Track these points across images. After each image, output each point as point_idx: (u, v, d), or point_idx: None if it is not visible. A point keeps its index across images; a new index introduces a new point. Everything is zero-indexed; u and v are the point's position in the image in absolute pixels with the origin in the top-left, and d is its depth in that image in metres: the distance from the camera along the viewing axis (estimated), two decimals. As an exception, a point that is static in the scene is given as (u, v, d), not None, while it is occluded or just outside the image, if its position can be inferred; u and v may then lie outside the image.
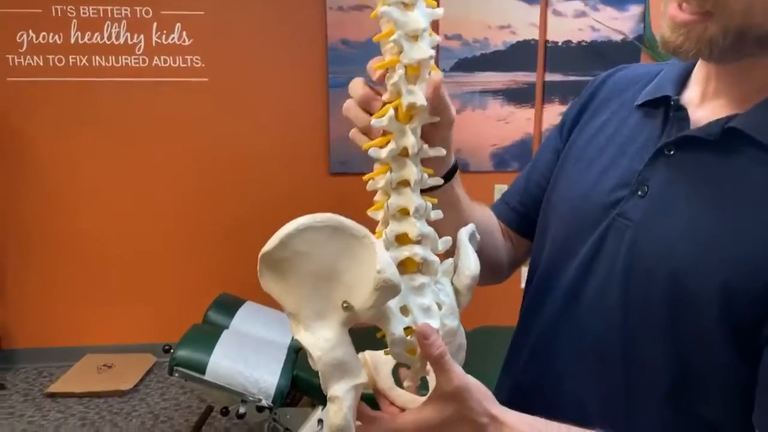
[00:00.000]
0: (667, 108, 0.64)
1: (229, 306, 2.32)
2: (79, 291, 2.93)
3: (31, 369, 2.91)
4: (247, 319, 2.26)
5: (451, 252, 0.59)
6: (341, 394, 0.51)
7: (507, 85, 2.93)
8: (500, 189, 3.00)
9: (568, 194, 0.70)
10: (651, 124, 0.65)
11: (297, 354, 2.12)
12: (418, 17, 0.51)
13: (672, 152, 0.61)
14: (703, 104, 0.62)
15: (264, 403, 1.87)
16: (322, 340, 0.51)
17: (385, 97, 0.57)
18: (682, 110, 0.62)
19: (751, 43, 0.54)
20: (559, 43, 2.91)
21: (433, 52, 0.52)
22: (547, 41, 2.90)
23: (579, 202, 0.68)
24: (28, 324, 2.93)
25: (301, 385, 1.98)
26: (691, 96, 0.64)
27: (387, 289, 0.49)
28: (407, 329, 0.53)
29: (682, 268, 0.56)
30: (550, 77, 2.93)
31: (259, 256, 0.51)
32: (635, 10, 2.88)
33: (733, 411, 0.56)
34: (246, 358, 1.94)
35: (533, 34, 2.89)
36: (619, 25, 2.86)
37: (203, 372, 1.88)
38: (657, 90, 0.66)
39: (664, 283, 0.57)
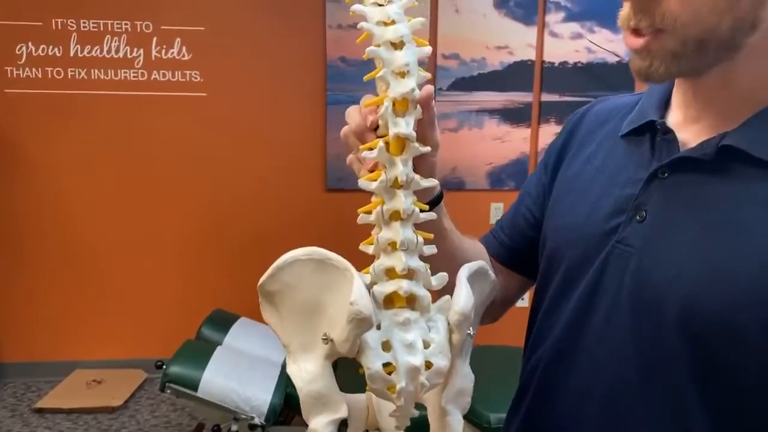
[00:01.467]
0: (653, 133, 0.64)
1: (222, 322, 2.30)
2: (69, 305, 2.90)
3: (19, 384, 2.86)
4: (240, 336, 2.24)
5: (449, 289, 0.57)
6: (319, 427, 0.52)
7: (504, 104, 2.95)
8: (496, 207, 3.01)
9: (563, 226, 0.70)
10: (639, 150, 0.65)
11: (290, 371, 2.11)
12: (404, 55, 0.54)
13: (666, 175, 0.61)
14: (688, 126, 0.62)
15: (257, 421, 1.85)
16: (304, 372, 0.53)
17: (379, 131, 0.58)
18: (669, 133, 0.62)
19: (716, 48, 0.54)
20: (556, 64, 2.94)
21: (415, 87, 0.54)
22: (543, 62, 2.93)
23: (575, 232, 0.67)
24: (17, 337, 2.89)
25: (294, 404, 1.95)
26: (675, 119, 0.63)
27: (359, 322, 0.49)
28: (387, 365, 0.51)
29: (692, 293, 0.55)
30: (547, 97, 2.95)
31: (257, 287, 0.53)
32: (631, 32, 2.92)
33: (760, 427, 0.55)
34: (239, 376, 1.92)
35: (530, 54, 2.92)
36: (615, 47, 2.90)
37: (196, 389, 1.86)
38: (640, 117, 0.66)
39: (675, 309, 0.56)
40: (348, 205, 3.04)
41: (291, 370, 0.54)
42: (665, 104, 0.66)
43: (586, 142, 0.73)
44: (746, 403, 0.55)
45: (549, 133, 2.98)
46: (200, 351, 2.02)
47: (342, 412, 0.53)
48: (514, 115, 2.96)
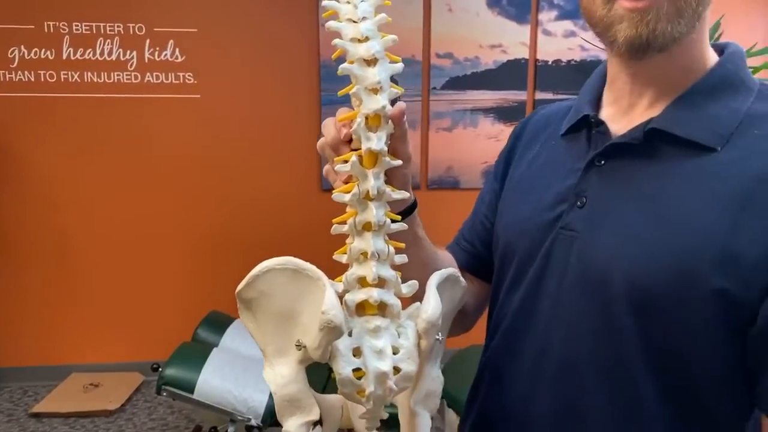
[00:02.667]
0: (588, 128, 0.68)
1: (218, 324, 2.30)
2: (64, 308, 2.89)
3: (16, 388, 2.86)
4: (236, 338, 2.24)
5: (420, 296, 0.59)
6: (292, 429, 0.56)
7: (498, 103, 2.96)
8: (491, 206, 3.01)
9: (512, 221, 0.73)
10: (577, 144, 0.69)
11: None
12: (377, 72, 0.55)
13: (603, 162, 0.65)
14: (620, 119, 0.66)
15: (253, 422, 1.85)
16: (279, 377, 0.56)
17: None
18: (602, 125, 0.66)
19: (694, 12, 0.58)
20: (549, 62, 2.95)
21: (386, 104, 0.55)
22: (537, 60, 2.94)
23: (523, 224, 0.70)
24: (13, 342, 2.88)
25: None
26: (607, 113, 0.68)
27: (330, 330, 0.51)
28: (356, 371, 0.54)
29: (632, 268, 0.58)
30: (540, 95, 2.96)
31: (235, 294, 0.56)
32: (623, 30, 2.93)
33: (715, 396, 0.58)
34: (235, 377, 1.92)
35: (523, 53, 2.93)
36: (608, 45, 2.91)
37: (192, 391, 1.86)
38: (575, 114, 0.70)
39: (619, 286, 0.59)
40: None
41: (266, 375, 0.57)
42: (597, 101, 0.70)
43: (529, 145, 0.77)
44: (693, 374, 0.57)
45: (543, 131, 2.98)
46: (196, 353, 2.02)
47: (314, 415, 0.56)
48: (508, 114, 2.97)
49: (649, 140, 0.61)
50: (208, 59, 2.79)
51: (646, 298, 0.57)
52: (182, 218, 2.89)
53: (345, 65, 0.55)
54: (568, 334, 0.63)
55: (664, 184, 0.59)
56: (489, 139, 2.98)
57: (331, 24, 0.56)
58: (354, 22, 0.56)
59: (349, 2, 0.57)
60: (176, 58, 2.77)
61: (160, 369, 1.90)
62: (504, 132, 2.97)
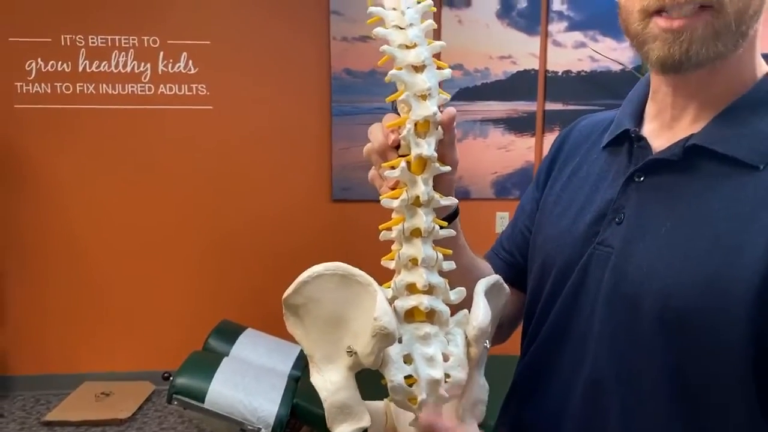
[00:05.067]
0: (630, 142, 0.67)
1: (229, 333, 2.30)
2: (78, 317, 2.92)
3: (29, 397, 2.88)
4: (247, 347, 2.25)
5: (468, 303, 0.59)
6: None
7: (508, 114, 2.96)
8: (501, 216, 3.01)
9: (551, 234, 0.72)
10: (618, 159, 0.68)
11: (297, 383, 2.10)
12: (426, 79, 0.55)
13: (642, 178, 0.63)
14: (661, 134, 0.65)
15: (263, 432, 1.85)
16: (329, 383, 0.55)
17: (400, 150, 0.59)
18: (643, 140, 0.65)
19: (735, 32, 0.55)
20: (559, 73, 2.95)
21: (436, 110, 0.55)
22: (547, 71, 2.94)
23: (561, 239, 0.69)
24: (26, 351, 2.91)
25: (301, 414, 1.95)
26: (648, 129, 0.67)
27: (383, 337, 0.51)
28: (408, 378, 0.53)
29: (665, 286, 0.57)
30: (550, 106, 2.96)
31: (282, 300, 0.55)
32: (634, 41, 2.93)
33: (735, 419, 0.56)
34: (246, 386, 1.92)
35: (533, 64, 2.93)
36: (618, 55, 2.91)
37: (202, 400, 1.86)
38: (617, 127, 0.69)
39: (650, 303, 0.58)
40: (353, 215, 3.06)
41: (315, 381, 0.56)
42: (639, 114, 0.69)
43: (571, 156, 0.76)
44: (718, 393, 0.56)
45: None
46: (207, 362, 2.03)
47: (365, 422, 0.55)
48: (518, 125, 2.97)
49: (690, 157, 0.59)
50: (221, 71, 2.82)
51: (677, 317, 0.56)
52: (194, 228, 2.91)
53: (394, 72, 0.55)
54: (596, 351, 0.62)
55: (702, 203, 0.58)
56: (499, 150, 2.98)
57: (379, 31, 0.56)
58: (401, 28, 0.56)
59: (395, 9, 0.56)
60: (189, 70, 2.80)
61: (171, 378, 1.91)
62: (514, 143, 2.98)
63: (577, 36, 2.92)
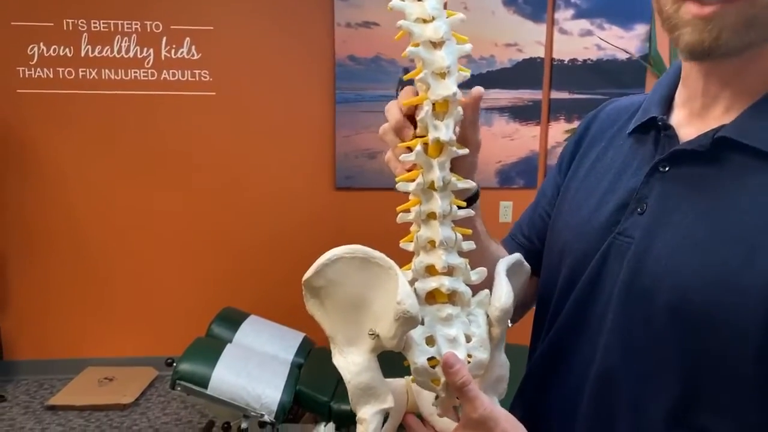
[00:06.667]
0: (657, 130, 0.65)
1: (232, 320, 2.31)
2: (81, 303, 2.93)
3: (32, 381, 2.90)
4: (250, 334, 2.25)
5: (489, 283, 0.58)
6: (368, 416, 0.55)
7: (513, 102, 2.94)
8: (505, 205, 3.00)
9: (571, 221, 0.71)
10: (644, 147, 0.66)
11: (300, 369, 2.11)
12: (445, 56, 0.52)
13: (667, 168, 0.62)
14: (691, 122, 0.63)
15: (266, 418, 1.86)
16: (352, 365, 0.55)
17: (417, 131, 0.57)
18: (670, 129, 0.63)
19: (766, 24, 0.54)
20: (565, 61, 2.92)
21: (456, 89, 0.52)
22: (553, 59, 2.92)
23: (582, 227, 0.68)
24: (30, 335, 2.93)
25: (304, 401, 1.96)
26: (677, 117, 0.65)
27: (406, 320, 0.51)
28: (431, 359, 0.53)
29: (684, 280, 0.56)
30: (556, 95, 2.94)
31: (302, 282, 0.55)
32: (641, 29, 2.89)
33: (747, 416, 0.55)
34: (249, 373, 1.93)
35: (539, 52, 2.90)
36: (625, 44, 2.88)
37: (206, 386, 1.87)
38: (644, 114, 0.67)
39: (667, 296, 0.57)
40: (356, 203, 3.06)
41: (338, 362, 0.56)
42: (668, 103, 0.67)
43: (596, 141, 0.74)
44: (731, 391, 0.55)
45: (558, 130, 2.96)
46: (210, 348, 2.03)
47: (389, 402, 0.56)
48: (523, 113, 2.95)
49: (718, 149, 0.57)
50: (224, 57, 2.80)
51: (693, 312, 0.55)
52: (197, 214, 2.91)
53: (411, 48, 0.53)
54: (608, 343, 0.62)
55: (727, 197, 0.56)
56: (503, 138, 2.96)
57: (395, 3, 0.53)
58: (418, 0, 0.53)
59: None
60: (192, 55, 2.79)
61: (175, 364, 1.91)
62: (519, 131, 2.96)
63: (584, 24, 2.89)
